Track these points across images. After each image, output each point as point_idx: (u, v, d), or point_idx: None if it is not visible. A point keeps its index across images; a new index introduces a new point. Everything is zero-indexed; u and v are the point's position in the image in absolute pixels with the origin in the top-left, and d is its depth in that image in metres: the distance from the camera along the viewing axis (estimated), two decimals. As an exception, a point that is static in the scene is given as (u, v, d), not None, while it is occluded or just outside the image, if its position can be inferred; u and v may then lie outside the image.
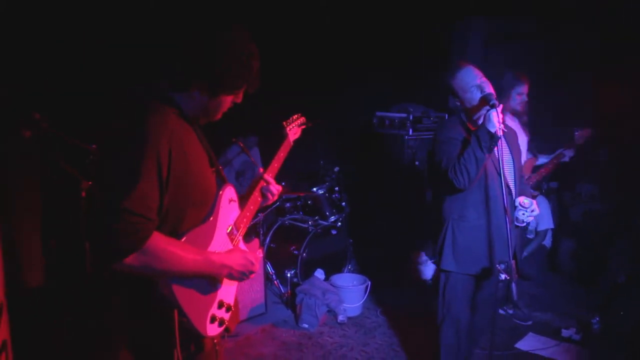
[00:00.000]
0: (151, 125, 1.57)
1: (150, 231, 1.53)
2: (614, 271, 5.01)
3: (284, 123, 2.42)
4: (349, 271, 5.30)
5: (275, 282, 5.00)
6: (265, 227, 5.29)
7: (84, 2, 3.88)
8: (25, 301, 3.71)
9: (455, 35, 6.43)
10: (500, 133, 2.81)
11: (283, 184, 5.45)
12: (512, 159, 2.85)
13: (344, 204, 5.64)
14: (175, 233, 1.67)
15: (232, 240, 1.90)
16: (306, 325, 4.43)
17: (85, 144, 3.48)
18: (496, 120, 2.78)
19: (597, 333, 4.22)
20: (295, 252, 4.91)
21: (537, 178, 4.49)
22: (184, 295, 1.65)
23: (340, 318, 4.54)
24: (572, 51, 5.37)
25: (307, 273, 4.91)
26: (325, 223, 5.31)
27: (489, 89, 2.94)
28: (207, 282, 1.76)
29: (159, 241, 1.56)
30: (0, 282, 2.31)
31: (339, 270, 5.23)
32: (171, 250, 1.58)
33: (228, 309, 1.87)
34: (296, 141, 5.88)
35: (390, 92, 6.37)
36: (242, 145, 4.50)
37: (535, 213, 3.00)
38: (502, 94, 4.31)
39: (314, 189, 5.49)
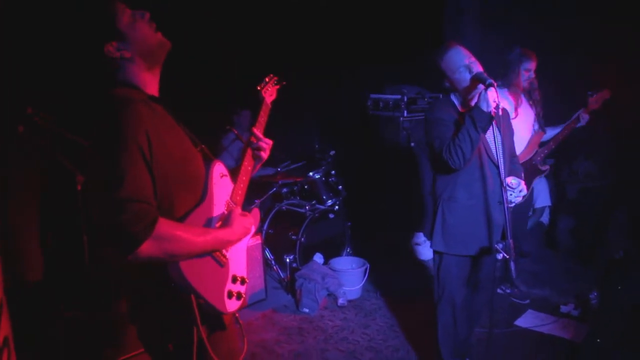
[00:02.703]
0: (123, 116, 1.55)
1: (156, 215, 1.52)
2: (611, 246, 5.04)
3: (258, 87, 2.37)
4: (348, 254, 5.32)
5: (274, 267, 5.02)
6: (262, 213, 5.29)
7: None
8: (24, 296, 3.72)
9: (448, 13, 6.39)
10: (495, 112, 2.80)
11: (279, 169, 5.50)
12: (501, 138, 2.84)
13: (340, 187, 5.65)
14: (174, 218, 1.66)
15: (231, 216, 1.89)
16: (307, 310, 4.46)
17: (79, 137, 3.47)
18: (492, 99, 2.77)
19: (595, 308, 4.24)
20: (294, 237, 4.92)
21: (546, 151, 4.40)
22: (196, 277, 1.64)
23: (340, 301, 4.56)
24: (568, 30, 5.33)
25: (306, 258, 4.92)
26: (322, 207, 5.31)
27: (478, 68, 2.92)
28: (216, 259, 1.76)
29: (167, 225, 1.55)
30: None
31: (338, 253, 5.24)
32: (180, 232, 1.58)
33: (243, 282, 1.88)
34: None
35: (384, 74, 6.35)
36: (236, 132, 4.48)
37: (523, 193, 3.00)
38: (509, 69, 4.27)
39: (310, 174, 5.48)
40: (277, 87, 2.46)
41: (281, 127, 4.30)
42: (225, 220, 1.81)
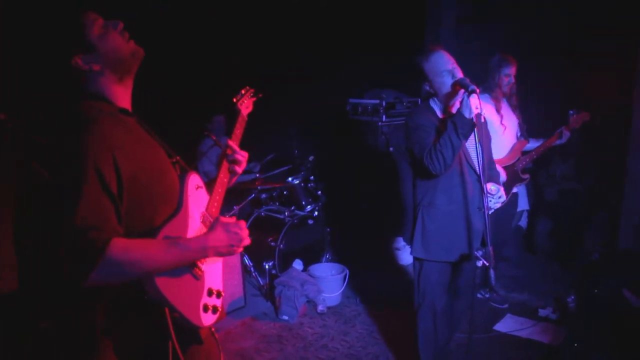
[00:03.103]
0: (84, 138, 1.51)
1: (105, 241, 1.47)
2: (588, 249, 5.08)
3: (234, 99, 2.34)
4: (327, 260, 5.30)
5: (253, 274, 4.97)
6: (242, 219, 5.25)
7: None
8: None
9: (429, 18, 6.42)
10: (478, 120, 2.79)
11: (257, 175, 5.46)
12: (480, 145, 2.84)
13: (319, 192, 5.63)
14: (151, 230, 1.63)
15: (207, 226, 1.86)
16: (286, 317, 4.43)
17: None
18: (474, 106, 2.77)
19: (573, 312, 4.27)
20: (273, 243, 4.89)
21: (528, 159, 4.43)
22: (171, 290, 1.61)
23: (320, 308, 4.54)
24: (543, 34, 5.38)
25: (285, 264, 4.89)
26: (301, 213, 5.29)
27: (460, 74, 2.93)
28: (192, 272, 1.73)
29: (119, 247, 1.49)
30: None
31: (318, 259, 5.22)
32: (136, 252, 1.53)
33: (219, 295, 1.84)
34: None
35: (363, 78, 6.36)
36: (214, 138, 4.44)
37: (502, 200, 3.01)
38: (491, 75, 4.32)
39: (289, 179, 5.45)
40: (254, 99, 2.44)
41: (259, 133, 4.29)
42: (200, 231, 1.78)
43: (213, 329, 1.92)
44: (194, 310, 1.71)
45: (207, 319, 1.76)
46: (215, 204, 1.95)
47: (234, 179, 2.17)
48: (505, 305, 4.57)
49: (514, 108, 4.45)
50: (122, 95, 1.74)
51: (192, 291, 1.73)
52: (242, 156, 2.11)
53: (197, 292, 1.75)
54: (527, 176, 4.46)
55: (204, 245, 1.69)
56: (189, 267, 1.71)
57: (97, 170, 1.49)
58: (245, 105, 2.37)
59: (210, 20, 5.71)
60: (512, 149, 4.41)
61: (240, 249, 1.81)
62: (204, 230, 1.82)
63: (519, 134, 4.46)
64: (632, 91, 4.76)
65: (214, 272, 1.87)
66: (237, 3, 5.78)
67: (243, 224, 1.81)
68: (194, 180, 1.87)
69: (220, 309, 1.84)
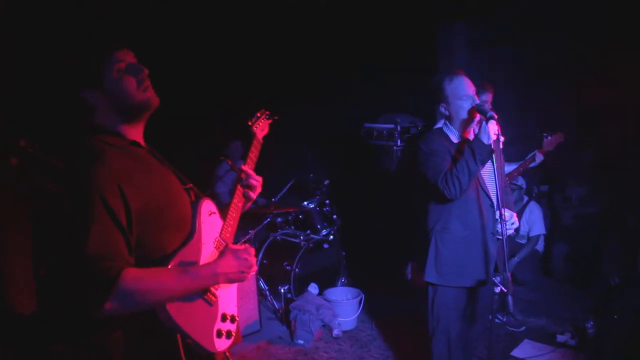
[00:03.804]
0: (92, 172, 1.55)
1: (117, 272, 1.49)
2: (607, 273, 5.02)
3: (249, 122, 2.33)
4: (343, 284, 5.29)
5: (269, 298, 4.98)
6: (257, 243, 5.28)
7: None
8: (16, 328, 3.67)
9: (440, 42, 6.47)
10: (496, 145, 2.81)
11: (274, 199, 5.49)
12: (495, 170, 2.84)
13: (335, 216, 5.64)
14: (164, 258, 1.65)
15: (220, 251, 1.87)
16: (301, 341, 4.41)
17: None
18: (492, 132, 2.79)
19: (592, 337, 4.21)
20: (288, 267, 4.90)
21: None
22: (183, 317, 1.63)
23: (335, 332, 4.52)
24: (553, 54, 5.40)
25: (300, 288, 4.89)
26: (317, 237, 5.30)
27: (477, 101, 2.96)
28: (205, 299, 1.74)
29: (131, 277, 1.51)
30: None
31: (333, 283, 5.22)
32: (148, 281, 1.55)
33: (233, 320, 1.86)
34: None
35: (376, 102, 6.40)
36: (230, 162, 4.51)
37: (515, 226, 3.00)
38: None
39: (305, 203, 5.48)
40: (269, 121, 2.43)
41: (275, 157, 4.33)
42: (213, 257, 1.80)
43: (228, 354, 1.92)
44: (207, 336, 1.73)
45: (221, 344, 1.77)
46: (230, 229, 1.97)
47: (249, 204, 2.17)
48: (523, 328, 4.53)
49: None
50: (132, 131, 1.76)
51: (205, 317, 1.75)
52: (257, 181, 2.12)
53: (211, 317, 1.77)
54: None
55: (214, 271, 1.71)
56: (201, 293, 1.73)
57: (104, 203, 1.52)
58: (261, 127, 2.36)
59: (226, 45, 5.80)
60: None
61: (250, 275, 1.82)
62: (217, 255, 1.83)
63: None
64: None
65: (228, 297, 1.89)
66: (253, 27, 5.86)
67: (252, 250, 1.84)
68: (208, 207, 1.89)
69: (234, 334, 1.85)
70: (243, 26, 5.81)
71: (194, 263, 1.74)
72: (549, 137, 4.43)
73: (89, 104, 1.69)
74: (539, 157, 4.41)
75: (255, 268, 1.84)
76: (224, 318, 1.82)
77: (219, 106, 5.98)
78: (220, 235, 1.91)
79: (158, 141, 1.89)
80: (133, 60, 1.74)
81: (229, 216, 1.99)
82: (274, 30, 5.92)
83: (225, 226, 1.95)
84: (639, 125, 4.80)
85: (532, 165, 4.45)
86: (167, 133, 2.10)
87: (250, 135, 2.33)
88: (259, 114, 2.42)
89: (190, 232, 1.77)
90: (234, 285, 1.94)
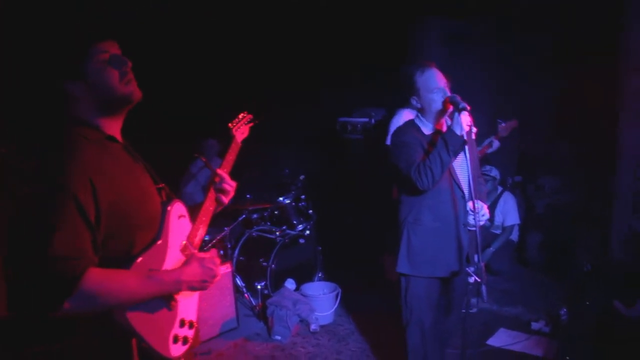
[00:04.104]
0: (64, 165, 1.51)
1: (81, 271, 1.46)
2: (579, 261, 5.10)
3: (230, 125, 2.29)
4: (320, 279, 5.29)
5: (245, 295, 4.96)
6: (233, 240, 5.25)
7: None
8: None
9: (414, 37, 6.49)
10: (469, 136, 2.82)
11: (248, 196, 5.46)
12: (467, 161, 2.86)
13: (311, 211, 5.63)
14: (129, 257, 1.62)
15: (186, 256, 1.85)
16: (279, 337, 4.40)
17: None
18: (465, 123, 2.79)
19: (565, 324, 4.27)
20: (265, 263, 4.88)
21: None
22: (140, 320, 1.60)
23: (313, 327, 4.52)
24: (525, 50, 5.46)
25: (277, 284, 4.88)
26: (293, 232, 5.29)
27: (449, 93, 2.95)
28: (165, 302, 1.72)
29: (94, 278, 1.49)
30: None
31: (310, 278, 5.21)
32: (112, 283, 1.53)
33: (191, 326, 1.83)
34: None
35: (351, 97, 6.40)
36: (204, 160, 4.47)
37: (485, 217, 3.01)
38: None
39: (280, 199, 5.46)
40: (250, 125, 2.39)
41: (251, 153, 4.30)
42: (179, 262, 1.78)
43: None
44: (163, 341, 1.70)
45: (177, 350, 1.74)
46: (198, 234, 1.93)
47: (220, 208, 2.12)
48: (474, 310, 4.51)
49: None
50: (110, 125, 1.73)
51: (164, 322, 1.72)
52: (230, 186, 2.07)
53: (169, 322, 1.74)
54: None
55: (178, 279, 1.70)
56: (163, 298, 1.71)
57: (75, 199, 1.48)
58: (241, 131, 2.32)
59: (205, 42, 5.76)
60: None
61: (212, 285, 1.81)
62: (183, 260, 1.81)
63: None
64: (616, 106, 4.84)
65: (188, 303, 1.86)
66: (226, 25, 5.83)
67: (218, 260, 1.83)
68: (178, 209, 1.86)
69: (191, 340, 1.82)
70: (220, 24, 5.78)
71: (158, 267, 1.71)
72: (503, 124, 4.52)
73: (71, 96, 1.64)
74: (496, 144, 4.49)
75: (218, 278, 1.83)
76: (182, 324, 1.79)
77: (194, 104, 5.94)
78: (187, 240, 1.88)
79: (134, 136, 1.86)
80: (117, 52, 1.70)
81: (198, 220, 1.96)
82: (249, 28, 5.90)
83: (193, 230, 1.92)
84: (611, 119, 4.89)
85: (489, 151, 4.54)
86: (143, 128, 2.05)
87: (229, 137, 2.28)
88: (240, 116, 2.37)
89: (157, 234, 1.74)
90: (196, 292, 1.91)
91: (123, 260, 1.61)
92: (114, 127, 1.74)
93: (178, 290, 1.73)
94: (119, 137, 1.76)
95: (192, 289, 1.76)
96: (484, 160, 4.86)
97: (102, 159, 1.60)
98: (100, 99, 1.67)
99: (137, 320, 1.59)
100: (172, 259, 1.78)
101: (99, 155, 1.60)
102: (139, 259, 1.64)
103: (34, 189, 1.51)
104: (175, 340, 1.74)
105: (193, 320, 1.86)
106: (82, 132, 1.63)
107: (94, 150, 1.59)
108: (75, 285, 1.44)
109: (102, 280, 1.51)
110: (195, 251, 1.88)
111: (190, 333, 1.82)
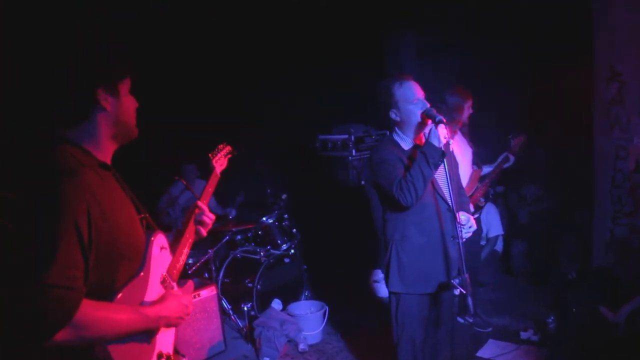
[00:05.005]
0: (65, 188, 1.45)
1: (78, 302, 1.42)
2: (563, 269, 5.13)
3: (210, 155, 2.34)
4: (307, 298, 5.25)
5: (232, 317, 4.90)
6: (217, 262, 5.20)
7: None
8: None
9: (388, 50, 6.56)
10: (447, 149, 2.83)
11: (230, 217, 5.43)
12: (448, 174, 2.86)
13: (294, 230, 5.61)
14: (111, 290, 1.60)
15: (166, 288, 1.84)
16: (267, 359, 4.35)
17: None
18: (442, 136, 2.80)
19: (553, 332, 4.28)
20: (250, 284, 4.84)
21: (484, 188, 4.55)
22: (120, 354, 1.58)
23: (301, 347, 4.48)
24: (500, 60, 5.53)
25: (264, 304, 4.83)
26: (277, 252, 5.25)
27: (428, 105, 2.96)
28: (144, 336, 1.70)
29: (88, 310, 1.45)
30: None
31: (296, 298, 5.17)
32: (103, 315, 1.50)
33: (168, 359, 1.81)
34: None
35: (331, 113, 6.42)
36: (184, 182, 4.44)
37: (472, 229, 3.02)
38: (454, 109, 4.41)
39: (264, 219, 5.43)
40: (229, 157, 2.44)
41: (231, 174, 4.28)
42: (159, 297, 1.77)
43: None
44: None
45: None
46: (178, 265, 1.95)
47: (196, 238, 2.15)
48: (489, 329, 4.57)
49: (468, 138, 4.55)
50: (106, 152, 1.71)
51: (142, 355, 1.70)
52: (210, 218, 2.12)
53: (147, 356, 1.73)
54: (482, 201, 4.57)
55: (159, 315, 1.70)
56: (144, 332, 1.69)
57: (75, 224, 1.43)
58: (220, 163, 2.37)
59: (176, 64, 5.74)
60: (470, 179, 4.50)
61: (184, 320, 1.84)
62: (162, 292, 1.82)
63: (473, 164, 4.56)
64: (591, 113, 4.91)
65: (165, 336, 1.84)
66: (200, 44, 5.82)
67: (190, 297, 1.89)
68: (160, 241, 1.86)
69: None
70: (194, 45, 5.77)
71: (140, 299, 1.70)
72: (514, 140, 4.59)
73: (99, 107, 1.63)
74: (512, 158, 4.56)
75: (190, 314, 1.86)
76: (159, 357, 1.77)
77: (173, 128, 5.91)
78: (167, 271, 1.88)
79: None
80: None
81: (178, 251, 1.98)
82: (224, 44, 5.90)
83: (173, 262, 1.93)
84: (585, 124, 4.95)
85: (506, 165, 4.60)
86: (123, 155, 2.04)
87: (209, 169, 2.33)
88: (220, 147, 2.42)
89: (140, 267, 1.72)
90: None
91: (105, 292, 1.58)
92: (108, 154, 1.73)
93: (158, 326, 1.73)
94: (109, 163, 1.74)
95: (169, 325, 1.78)
96: (520, 174, 4.93)
97: (97, 187, 1.55)
98: (119, 121, 1.69)
99: (118, 353, 1.56)
100: (153, 291, 1.77)
101: (94, 183, 1.55)
102: (122, 292, 1.62)
103: (27, 213, 1.44)
104: None
105: (170, 353, 1.85)
106: (77, 155, 1.58)
107: (89, 176, 1.54)
108: (69, 316, 1.41)
109: (97, 311, 1.49)
110: (175, 284, 1.89)
111: None
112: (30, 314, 1.37)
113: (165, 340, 1.83)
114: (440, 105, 4.47)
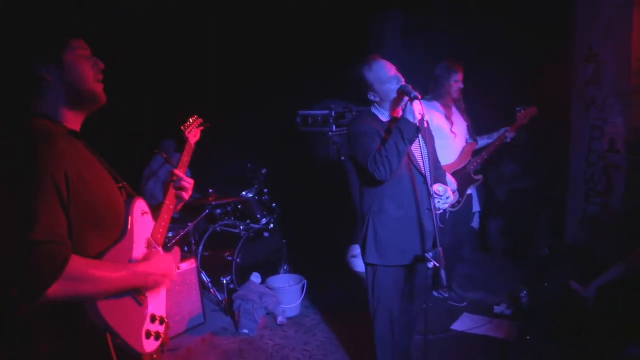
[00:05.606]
0: (42, 152, 1.48)
1: (68, 255, 1.46)
2: (538, 245, 5.24)
3: (182, 127, 2.38)
4: (285, 272, 5.31)
5: (212, 290, 4.94)
6: (197, 235, 5.22)
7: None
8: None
9: (373, 29, 6.54)
10: (421, 124, 2.86)
11: (211, 190, 5.43)
12: (425, 147, 2.90)
13: (274, 205, 5.64)
14: (95, 255, 1.61)
15: (152, 252, 1.87)
16: (246, 331, 4.41)
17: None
18: (417, 112, 2.83)
19: (526, 306, 4.38)
20: (230, 258, 4.87)
21: (479, 161, 4.54)
22: (113, 316, 1.60)
23: (280, 319, 4.54)
24: (485, 39, 5.54)
25: (243, 278, 4.87)
26: (257, 226, 5.29)
27: (403, 81, 2.99)
28: (135, 298, 1.72)
29: (79, 264, 1.49)
30: None
31: (275, 272, 5.22)
32: (94, 270, 1.53)
33: (162, 322, 1.84)
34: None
35: (312, 89, 6.41)
36: (165, 155, 4.44)
37: (450, 200, 3.08)
38: (441, 84, 4.41)
39: (244, 193, 5.45)
40: (201, 128, 2.47)
41: (212, 148, 4.28)
42: (146, 257, 1.79)
43: (155, 356, 1.86)
44: (136, 337, 1.70)
45: (149, 346, 1.75)
46: (161, 230, 1.97)
47: (181, 205, 2.21)
48: (464, 304, 4.67)
49: (462, 112, 4.57)
50: (74, 120, 1.71)
51: (135, 317, 1.73)
52: (189, 183, 2.16)
53: (140, 318, 1.75)
54: (480, 177, 4.57)
55: (148, 271, 1.73)
56: (132, 293, 1.71)
57: (55, 184, 1.47)
58: (193, 134, 2.41)
59: (160, 42, 5.68)
60: (463, 152, 4.52)
61: (171, 282, 1.87)
62: (149, 255, 1.84)
63: (468, 137, 4.58)
64: (570, 93, 4.97)
65: (157, 299, 1.87)
66: (185, 24, 5.76)
67: (177, 259, 1.95)
68: (140, 206, 1.87)
69: (163, 336, 1.84)
70: (178, 25, 5.71)
71: (125, 261, 1.72)
72: (522, 111, 4.55)
73: (42, 80, 1.61)
74: (510, 135, 4.53)
75: (175, 277, 1.89)
76: (153, 319, 1.80)
77: (153, 102, 5.86)
78: (152, 236, 1.90)
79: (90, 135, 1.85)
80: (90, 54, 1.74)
81: (160, 217, 2.00)
82: (207, 24, 5.85)
83: (157, 227, 1.96)
84: (565, 104, 5.02)
85: (505, 141, 4.56)
86: (101, 128, 2.05)
87: (183, 140, 2.37)
88: (191, 120, 2.45)
89: (122, 231, 1.74)
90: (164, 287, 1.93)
91: (87, 256, 1.59)
92: (76, 123, 1.73)
93: (146, 284, 1.74)
94: (79, 132, 1.74)
95: (156, 284, 1.79)
96: (500, 152, 4.92)
97: (71, 153, 1.58)
98: (71, 89, 1.66)
99: (110, 315, 1.58)
100: (139, 254, 1.79)
101: (67, 149, 1.57)
102: (107, 255, 1.63)
103: (6, 177, 1.47)
104: (148, 335, 1.75)
105: (163, 316, 1.87)
106: (48, 125, 1.60)
107: (62, 143, 1.56)
108: (61, 270, 1.43)
109: (88, 265, 1.52)
110: (160, 248, 1.91)
111: (161, 329, 1.84)
112: (22, 271, 1.40)
113: (157, 303, 1.85)
114: (430, 82, 4.51)
